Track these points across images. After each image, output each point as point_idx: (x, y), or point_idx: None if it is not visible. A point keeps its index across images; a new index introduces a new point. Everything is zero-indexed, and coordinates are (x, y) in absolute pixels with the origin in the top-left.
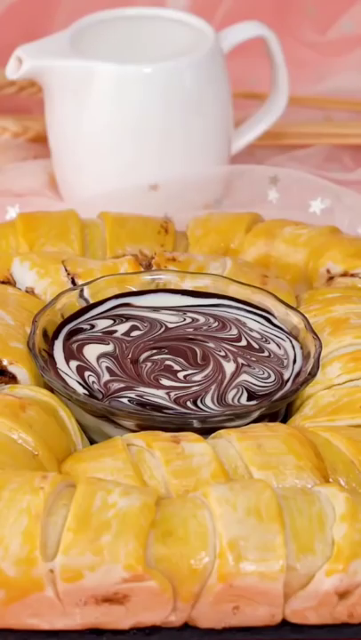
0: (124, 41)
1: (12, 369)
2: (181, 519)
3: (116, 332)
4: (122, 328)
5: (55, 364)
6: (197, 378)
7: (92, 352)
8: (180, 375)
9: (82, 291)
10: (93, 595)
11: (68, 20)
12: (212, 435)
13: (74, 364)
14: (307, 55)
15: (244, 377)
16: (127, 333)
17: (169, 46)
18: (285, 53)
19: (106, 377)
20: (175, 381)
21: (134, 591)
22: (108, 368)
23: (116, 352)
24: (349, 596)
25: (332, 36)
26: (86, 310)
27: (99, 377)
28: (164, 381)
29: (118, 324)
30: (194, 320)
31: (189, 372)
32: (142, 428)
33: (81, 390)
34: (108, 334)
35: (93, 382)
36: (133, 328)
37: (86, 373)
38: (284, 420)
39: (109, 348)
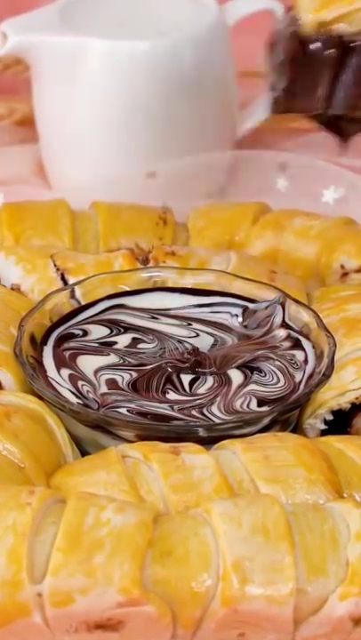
0: (119, 15)
1: None
2: (181, 538)
3: (115, 343)
4: (122, 340)
5: (45, 371)
6: (202, 390)
7: (89, 363)
8: (185, 386)
9: (73, 291)
10: (85, 620)
11: None
12: (216, 445)
13: (66, 372)
14: None
15: (252, 387)
16: (130, 346)
17: (168, 21)
18: None
19: (103, 389)
20: (180, 394)
21: (130, 616)
22: (106, 381)
23: (116, 365)
24: None
25: None
26: (77, 312)
27: (95, 388)
28: (170, 395)
29: (116, 334)
30: (198, 334)
31: (195, 384)
32: (142, 438)
33: (74, 399)
34: (106, 346)
35: (88, 392)
36: (136, 341)
37: (80, 383)
38: (295, 430)
39: (110, 360)
